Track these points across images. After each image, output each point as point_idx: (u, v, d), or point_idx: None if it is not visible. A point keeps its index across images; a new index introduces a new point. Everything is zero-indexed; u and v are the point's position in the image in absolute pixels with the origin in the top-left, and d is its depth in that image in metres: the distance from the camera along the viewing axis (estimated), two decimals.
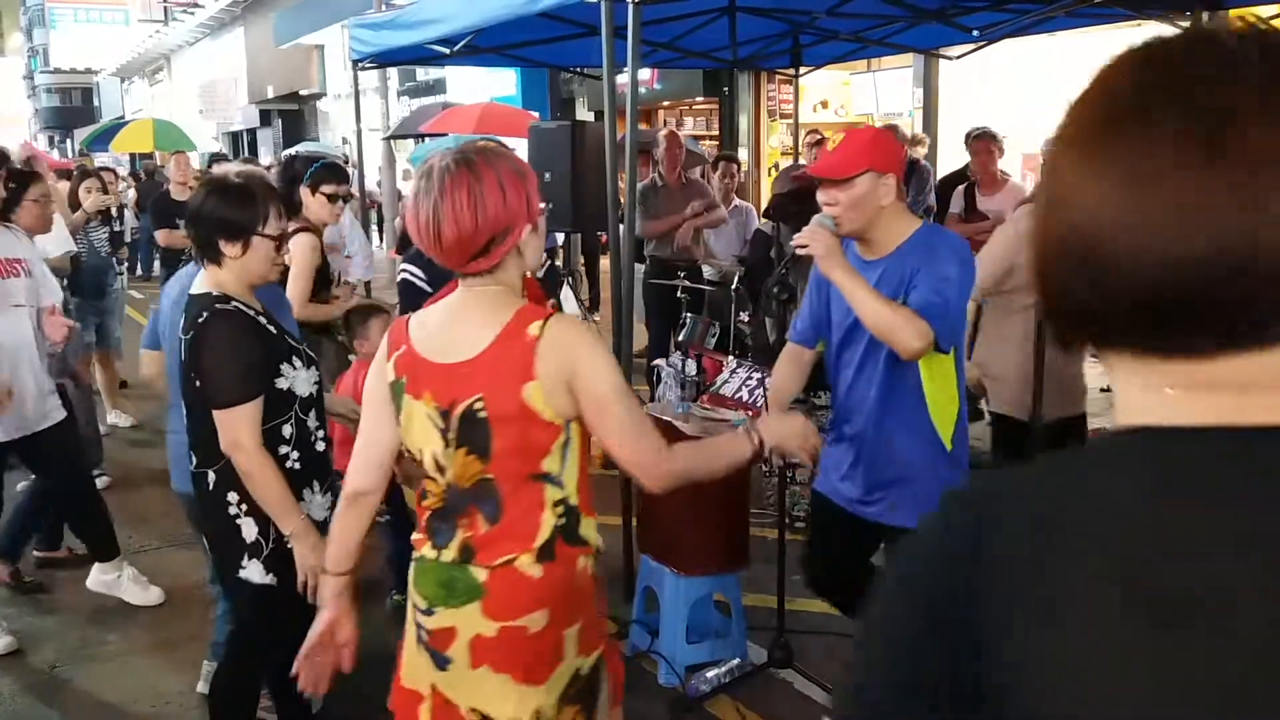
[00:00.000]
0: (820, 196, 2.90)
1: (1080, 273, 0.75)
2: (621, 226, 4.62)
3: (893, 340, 2.78)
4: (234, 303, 2.86)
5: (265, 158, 30.09)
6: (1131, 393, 0.77)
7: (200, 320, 2.82)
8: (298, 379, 2.91)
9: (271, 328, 2.93)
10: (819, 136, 8.85)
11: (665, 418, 3.95)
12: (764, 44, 7.10)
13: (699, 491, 3.64)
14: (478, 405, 2.05)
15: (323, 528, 2.98)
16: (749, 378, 5.05)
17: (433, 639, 2.17)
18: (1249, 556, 0.67)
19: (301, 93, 27.63)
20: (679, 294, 6.77)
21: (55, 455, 4.48)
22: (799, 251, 2.88)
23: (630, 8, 4.19)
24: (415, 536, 2.23)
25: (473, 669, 2.14)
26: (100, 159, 20.31)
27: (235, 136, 33.60)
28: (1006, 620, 0.72)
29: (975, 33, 5.65)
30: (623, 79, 4.50)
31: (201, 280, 2.94)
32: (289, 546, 2.87)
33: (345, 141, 23.52)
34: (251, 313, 2.89)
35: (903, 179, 3.12)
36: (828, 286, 3.03)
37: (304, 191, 4.40)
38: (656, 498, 3.96)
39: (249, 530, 2.90)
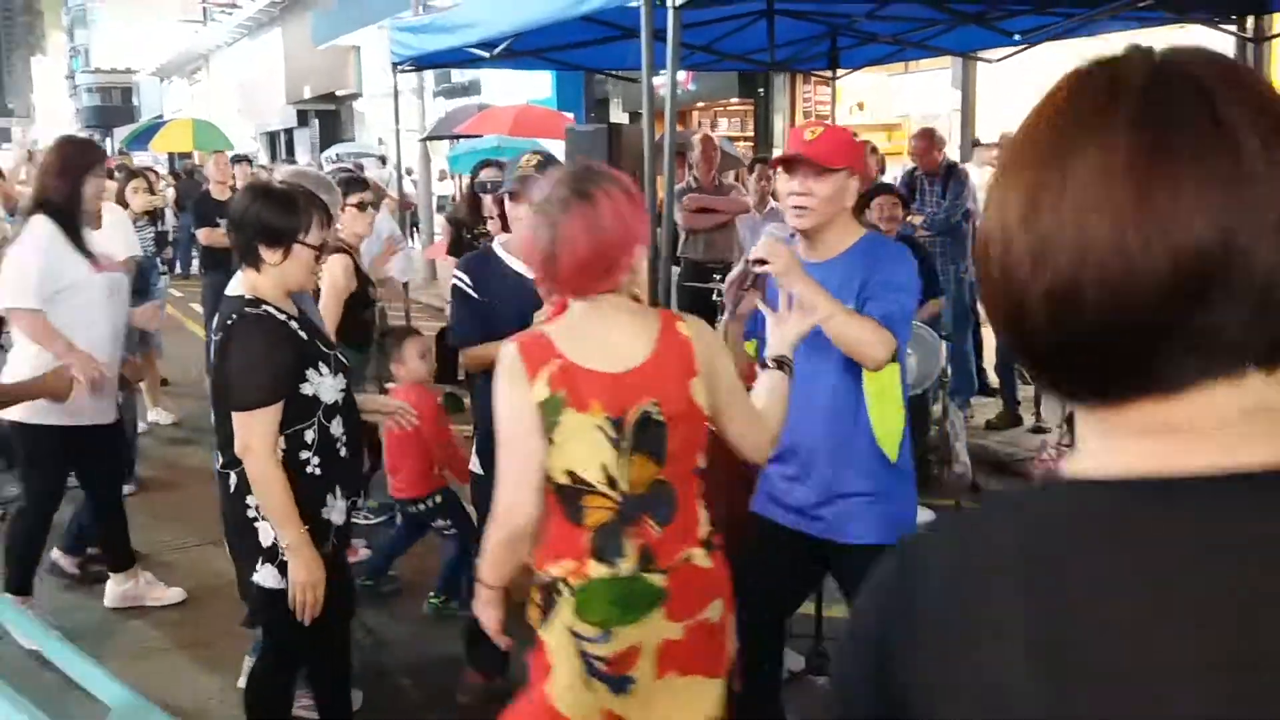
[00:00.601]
0: (790, 185, 2.78)
1: (1017, 303, 0.72)
2: (659, 230, 4.60)
3: (859, 352, 2.70)
4: (265, 307, 2.87)
5: (302, 157, 30.38)
6: (1082, 433, 0.75)
7: (230, 322, 2.85)
8: (323, 385, 2.91)
9: (303, 332, 2.94)
10: (871, 145, 8.78)
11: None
12: (801, 46, 7.09)
13: (745, 501, 3.64)
14: (653, 409, 2.10)
15: (342, 532, 3.02)
16: None
17: (611, 665, 2.15)
18: (1141, 606, 0.65)
19: (338, 93, 27.83)
20: (714, 297, 6.77)
21: (104, 454, 4.52)
22: (755, 270, 2.71)
23: (670, 11, 4.20)
24: (566, 564, 2.17)
25: (659, 679, 2.16)
26: (139, 158, 20.57)
27: (272, 136, 33.88)
28: (923, 666, 0.73)
29: (1017, 36, 5.61)
30: (660, 81, 4.50)
31: (238, 283, 2.97)
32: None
33: (381, 142, 23.69)
34: (283, 317, 2.91)
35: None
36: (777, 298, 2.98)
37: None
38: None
39: (265, 534, 2.92)
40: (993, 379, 7.56)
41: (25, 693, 2.69)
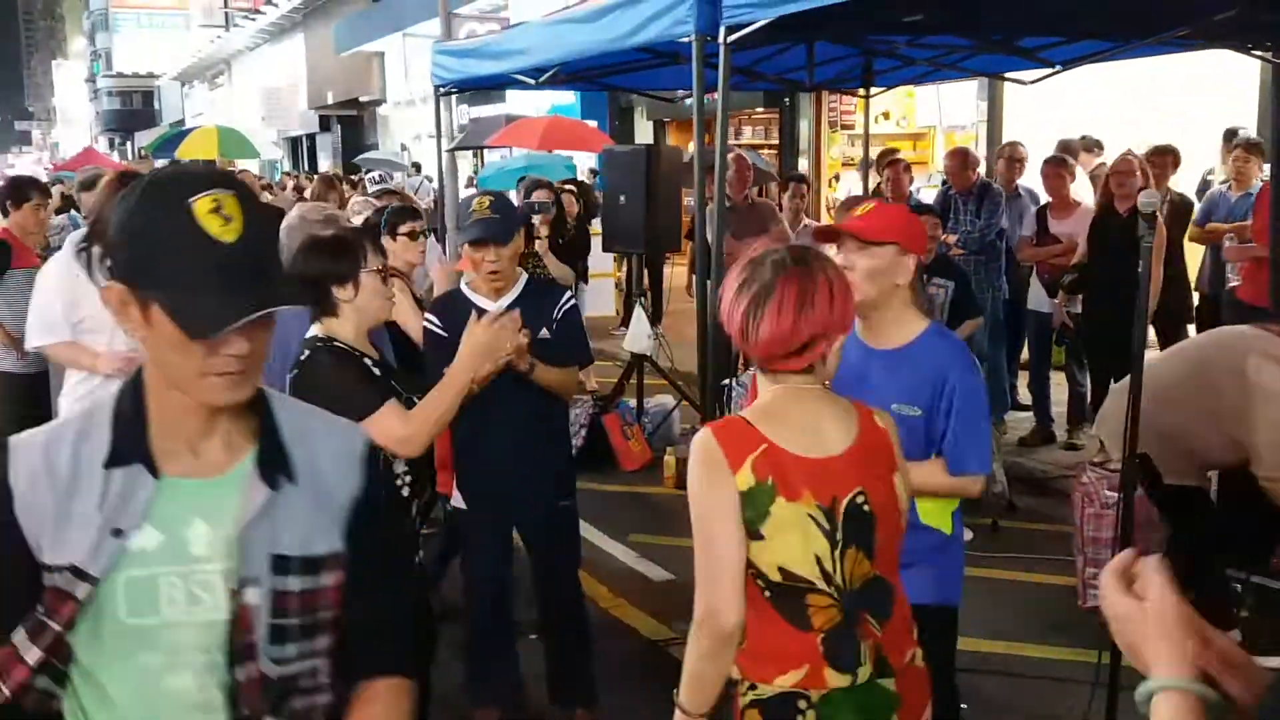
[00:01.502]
0: (837, 258, 2.70)
1: None
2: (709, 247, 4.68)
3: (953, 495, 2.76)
4: (336, 343, 2.94)
5: (324, 163, 30.57)
6: None
7: (303, 357, 2.94)
8: None
9: (377, 370, 3.01)
10: (895, 156, 8.83)
11: None
12: (838, 66, 7.15)
13: None
14: (860, 499, 2.00)
15: None
16: None
17: None
18: None
19: (361, 99, 28.00)
20: None
21: None
22: None
23: (721, 47, 4.28)
24: (796, 674, 2.00)
25: None
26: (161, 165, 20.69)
27: (295, 142, 34.08)
28: None
29: (1058, 67, 5.68)
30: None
31: (315, 328, 3.02)
32: None
33: (404, 148, 23.85)
34: (357, 354, 2.98)
35: (923, 258, 2.97)
36: None
37: (385, 240, 4.51)
38: None
39: None
40: (1024, 395, 7.62)
41: None
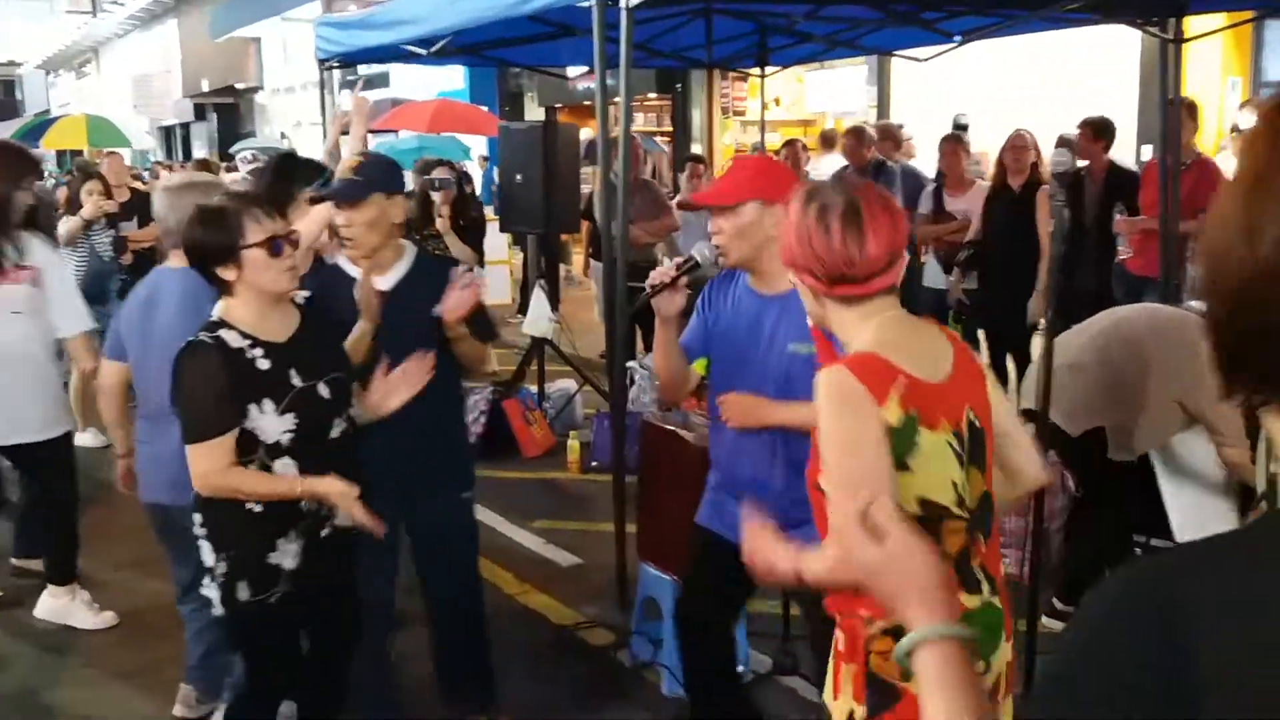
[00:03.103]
0: (709, 226, 2.84)
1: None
2: (614, 223, 4.55)
3: None
4: (221, 331, 2.69)
5: (199, 153, 29.53)
6: None
7: (181, 349, 2.71)
8: (262, 423, 2.70)
9: (266, 361, 2.72)
10: (801, 146, 8.86)
11: (668, 426, 3.92)
12: (735, 44, 7.10)
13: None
14: (972, 416, 2.02)
15: (294, 577, 2.80)
16: None
17: (990, 700, 2.01)
18: None
19: (238, 86, 27.14)
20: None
21: (50, 467, 4.45)
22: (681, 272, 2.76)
23: (624, 12, 4.15)
24: None
25: (999, 705, 2.08)
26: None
27: (168, 132, 32.90)
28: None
29: (958, 37, 5.69)
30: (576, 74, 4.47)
31: (216, 308, 2.79)
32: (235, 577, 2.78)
33: (284, 136, 23.13)
34: (238, 344, 2.69)
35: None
36: (722, 301, 2.95)
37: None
38: (656, 508, 3.94)
39: (205, 553, 2.82)
40: None
41: None
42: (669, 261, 3.13)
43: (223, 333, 2.69)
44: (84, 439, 7.35)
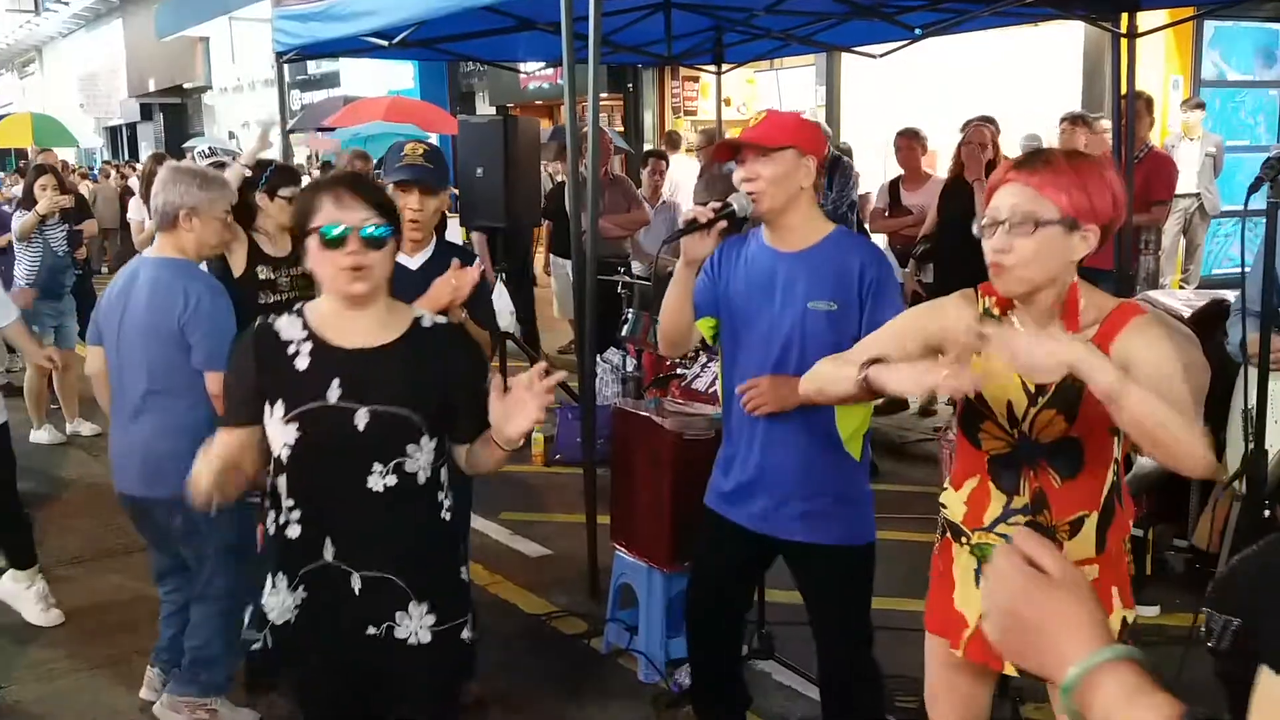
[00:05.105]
0: (739, 174, 2.74)
1: None
2: (584, 215, 4.57)
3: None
4: (286, 318, 2.43)
5: (146, 153, 29.03)
6: None
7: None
8: (271, 427, 2.29)
9: (304, 360, 2.35)
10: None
11: (642, 413, 3.94)
12: (694, 40, 7.13)
13: (678, 485, 3.66)
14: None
15: (279, 633, 2.31)
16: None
17: None
18: None
19: (185, 86, 26.77)
20: (619, 290, 6.79)
21: None
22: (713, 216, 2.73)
23: (591, 2, 4.17)
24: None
25: None
26: None
27: (114, 132, 32.36)
28: None
29: (918, 30, 5.76)
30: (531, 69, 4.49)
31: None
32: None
33: (232, 136, 22.84)
34: (291, 337, 2.37)
35: (823, 169, 2.96)
36: (731, 264, 2.91)
37: (261, 198, 4.23)
38: (632, 495, 3.96)
39: None
40: None
41: None
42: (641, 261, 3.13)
43: (285, 319, 2.32)
44: (39, 436, 7.25)
